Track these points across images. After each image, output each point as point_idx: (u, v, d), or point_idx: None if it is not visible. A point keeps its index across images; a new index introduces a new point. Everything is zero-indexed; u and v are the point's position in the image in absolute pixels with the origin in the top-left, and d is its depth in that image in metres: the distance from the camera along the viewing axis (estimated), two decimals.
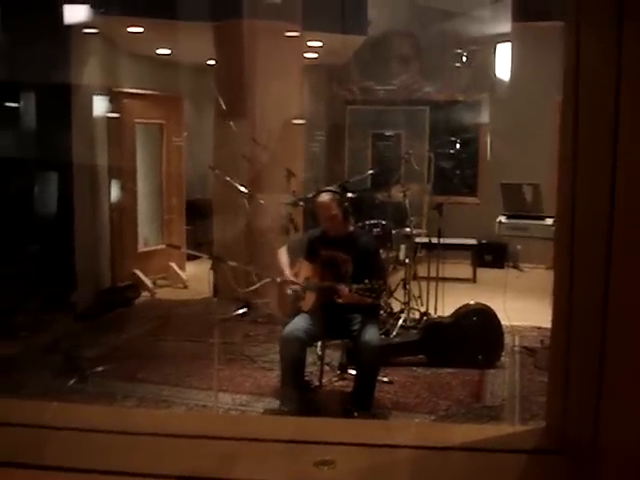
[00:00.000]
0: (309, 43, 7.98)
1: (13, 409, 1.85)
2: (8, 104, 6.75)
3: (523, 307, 6.53)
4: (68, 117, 7.03)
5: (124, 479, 1.44)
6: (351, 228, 4.56)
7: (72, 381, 4.82)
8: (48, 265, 6.54)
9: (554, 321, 1.73)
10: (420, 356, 5.40)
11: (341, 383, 4.93)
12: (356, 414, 4.06)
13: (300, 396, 4.24)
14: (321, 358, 4.84)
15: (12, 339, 5.75)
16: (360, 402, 4.18)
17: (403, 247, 7.48)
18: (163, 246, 8.37)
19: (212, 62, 7.87)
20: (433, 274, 6.53)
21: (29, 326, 6.02)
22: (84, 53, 7.17)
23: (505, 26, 8.13)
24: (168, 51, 8.36)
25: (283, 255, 4.68)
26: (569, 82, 1.54)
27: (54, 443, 1.59)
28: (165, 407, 4.52)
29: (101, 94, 7.52)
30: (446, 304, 6.27)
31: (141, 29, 7.28)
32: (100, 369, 5.08)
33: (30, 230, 6.58)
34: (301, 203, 6.59)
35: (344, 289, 4.10)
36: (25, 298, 6.19)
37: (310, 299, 4.38)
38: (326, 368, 4.97)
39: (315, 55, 8.69)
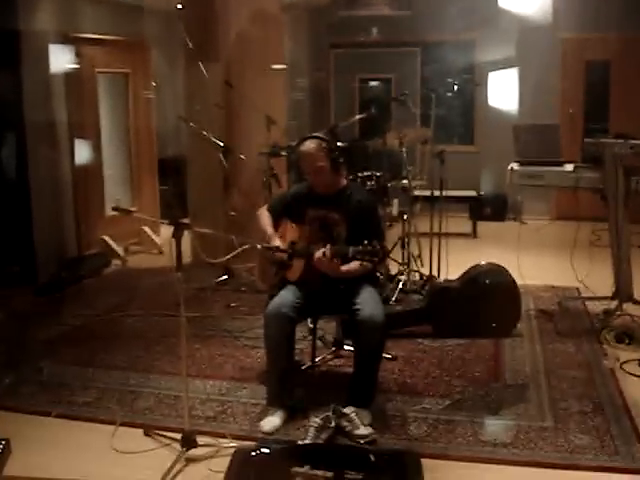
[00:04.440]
0: None
1: None
2: None
3: (532, 263, 5.85)
4: (18, 69, 6.23)
5: None
6: (344, 182, 3.83)
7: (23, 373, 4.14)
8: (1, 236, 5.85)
9: None
10: (425, 326, 4.73)
11: (336, 362, 4.28)
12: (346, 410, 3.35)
13: (290, 393, 3.57)
14: (313, 333, 4.16)
15: None
16: (358, 396, 3.47)
17: (396, 201, 6.82)
18: (134, 209, 7.64)
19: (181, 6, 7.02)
20: (429, 229, 5.86)
21: None
22: None
23: None
24: None
25: (264, 216, 3.92)
26: None
27: None
28: (132, 398, 3.83)
29: (57, 42, 6.66)
30: (449, 264, 5.62)
31: None
32: (55, 356, 4.40)
33: None
34: (284, 153, 5.87)
35: (322, 254, 3.42)
36: None
37: (298, 267, 3.68)
38: (318, 343, 4.30)
39: None
